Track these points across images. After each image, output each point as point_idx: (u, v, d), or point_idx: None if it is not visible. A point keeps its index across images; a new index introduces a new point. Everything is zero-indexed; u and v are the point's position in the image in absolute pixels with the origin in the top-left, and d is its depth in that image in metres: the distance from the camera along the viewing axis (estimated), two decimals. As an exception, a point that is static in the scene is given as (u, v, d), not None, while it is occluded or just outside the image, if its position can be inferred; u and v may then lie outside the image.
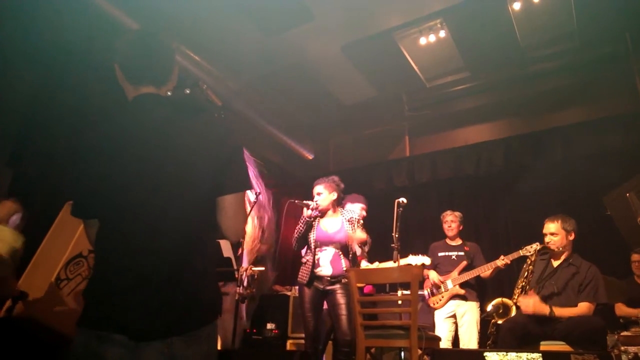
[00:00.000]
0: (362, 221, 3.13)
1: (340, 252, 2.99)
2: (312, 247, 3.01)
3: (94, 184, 1.05)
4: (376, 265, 3.70)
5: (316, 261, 2.97)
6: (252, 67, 4.78)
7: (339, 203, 3.14)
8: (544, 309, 2.73)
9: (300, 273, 3.05)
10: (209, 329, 1.04)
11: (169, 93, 1.18)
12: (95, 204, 1.07)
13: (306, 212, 3.03)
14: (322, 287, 2.95)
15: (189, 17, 3.93)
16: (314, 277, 2.96)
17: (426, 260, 3.67)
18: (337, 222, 3.06)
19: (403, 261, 3.79)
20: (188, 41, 4.11)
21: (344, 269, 2.92)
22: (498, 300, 3.19)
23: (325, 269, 2.94)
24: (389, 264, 3.87)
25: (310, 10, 4.00)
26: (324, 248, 2.99)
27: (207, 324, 1.04)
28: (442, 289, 3.70)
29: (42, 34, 3.42)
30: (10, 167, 3.37)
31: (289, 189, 6.08)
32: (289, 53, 4.61)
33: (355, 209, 3.47)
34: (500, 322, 2.96)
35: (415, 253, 3.18)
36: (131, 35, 1.18)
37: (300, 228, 3.07)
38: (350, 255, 3.01)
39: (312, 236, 3.03)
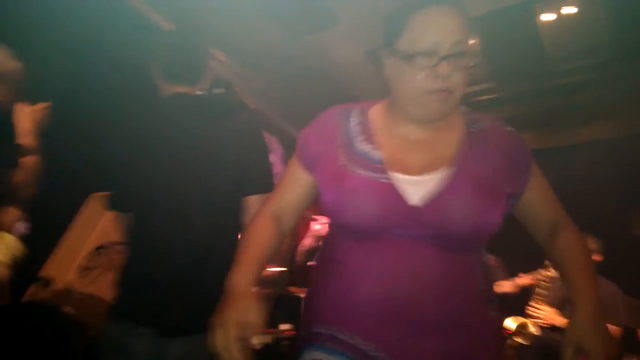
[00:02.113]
0: None
1: None
2: None
3: (131, 178, 1.08)
4: None
5: None
6: (274, 68, 4.81)
7: None
8: (557, 319, 2.78)
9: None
10: None
11: (200, 92, 1.20)
12: (131, 198, 1.09)
13: (315, 227, 3.01)
14: None
15: (215, 16, 3.98)
16: None
17: None
18: None
19: None
20: (213, 39, 4.16)
21: None
22: (522, 320, 3.06)
23: None
24: None
25: (337, 14, 4.00)
26: None
27: None
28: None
29: (75, 29, 3.52)
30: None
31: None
32: (313, 56, 4.61)
33: None
34: (520, 340, 2.89)
35: None
36: (166, 35, 1.21)
37: (306, 243, 3.04)
38: None
39: None
